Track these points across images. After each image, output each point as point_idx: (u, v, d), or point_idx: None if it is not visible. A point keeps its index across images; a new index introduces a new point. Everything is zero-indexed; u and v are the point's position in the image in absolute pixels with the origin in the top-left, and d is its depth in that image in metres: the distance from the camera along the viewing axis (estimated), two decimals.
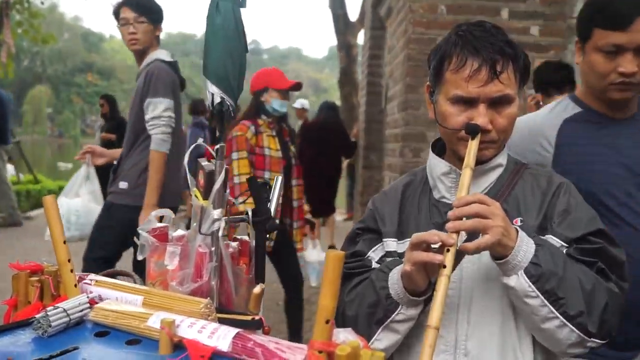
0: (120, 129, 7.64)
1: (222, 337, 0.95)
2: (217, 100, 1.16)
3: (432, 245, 1.31)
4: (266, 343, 0.94)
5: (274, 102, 3.66)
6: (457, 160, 1.48)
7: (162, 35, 3.58)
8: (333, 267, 0.88)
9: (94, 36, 64.45)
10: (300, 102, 8.69)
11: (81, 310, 1.09)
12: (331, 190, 7.40)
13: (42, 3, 13.63)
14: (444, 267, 1.26)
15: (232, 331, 0.97)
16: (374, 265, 1.54)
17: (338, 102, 10.62)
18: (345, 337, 0.90)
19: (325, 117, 7.51)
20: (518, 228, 1.36)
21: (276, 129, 3.76)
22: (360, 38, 10.50)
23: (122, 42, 3.79)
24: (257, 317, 1.09)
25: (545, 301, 1.32)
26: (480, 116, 1.41)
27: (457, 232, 1.30)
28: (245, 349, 0.93)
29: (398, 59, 4.23)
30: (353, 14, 12.04)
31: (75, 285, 1.16)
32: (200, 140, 1.25)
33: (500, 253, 1.32)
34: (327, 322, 0.88)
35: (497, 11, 3.75)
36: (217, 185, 1.18)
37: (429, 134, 3.70)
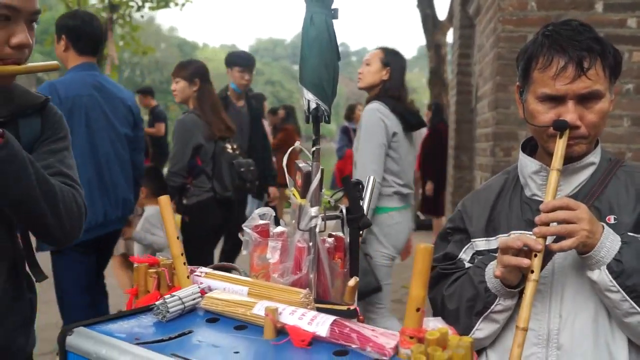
0: None
1: (321, 324, 1.04)
2: (313, 106, 1.26)
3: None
4: (361, 329, 1.02)
5: None
6: (549, 157, 1.51)
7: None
8: (422, 259, 0.94)
9: (188, 45, 66.92)
10: None
11: (194, 299, 1.21)
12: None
13: (142, 17, 14.37)
14: (532, 272, 1.32)
15: (330, 318, 1.05)
16: (467, 265, 1.60)
17: (427, 102, 10.65)
18: (434, 325, 0.97)
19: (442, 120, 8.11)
20: (605, 225, 1.37)
21: None
22: (450, 37, 10.41)
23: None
24: (352, 307, 1.17)
25: (627, 296, 1.33)
26: (569, 113, 1.43)
27: (544, 237, 1.35)
28: (342, 334, 1.01)
29: (488, 57, 4.20)
30: (442, 13, 11.95)
31: (188, 277, 1.29)
32: (297, 144, 1.35)
33: (584, 249, 1.35)
34: (418, 310, 0.94)
35: (590, 4, 3.64)
36: (314, 185, 1.27)
37: (520, 132, 3.65)
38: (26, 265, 1.67)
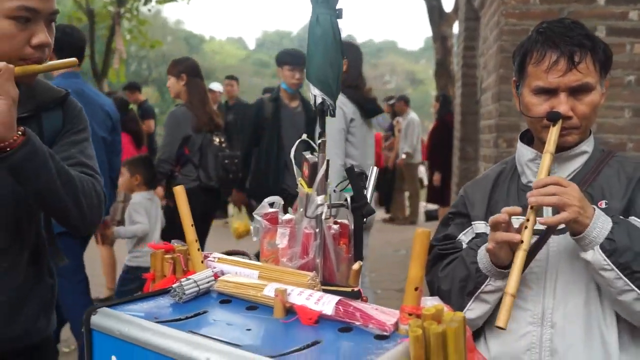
0: None
1: (326, 303, 1.11)
2: (319, 101, 1.34)
3: (514, 226, 1.44)
4: (365, 308, 1.09)
5: None
6: (544, 147, 1.59)
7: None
8: (420, 242, 1.02)
9: (195, 38, 66.68)
10: (215, 85, 9.15)
11: (208, 282, 1.29)
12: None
13: (149, 10, 14.43)
14: (522, 242, 1.40)
15: (335, 298, 1.12)
16: (465, 247, 1.68)
17: (434, 93, 10.67)
18: (432, 303, 1.04)
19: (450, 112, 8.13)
20: (596, 207, 1.45)
21: None
22: (456, 29, 10.43)
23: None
24: (356, 289, 1.24)
25: (620, 274, 1.40)
26: (562, 104, 1.52)
27: (535, 211, 1.42)
28: (347, 312, 1.09)
29: (491, 50, 4.25)
30: (448, 5, 11.95)
31: (202, 262, 1.37)
32: (304, 136, 1.43)
33: (577, 230, 1.42)
34: (416, 289, 1.02)
35: None
36: (320, 175, 1.35)
37: (522, 124, 3.70)
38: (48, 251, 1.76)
